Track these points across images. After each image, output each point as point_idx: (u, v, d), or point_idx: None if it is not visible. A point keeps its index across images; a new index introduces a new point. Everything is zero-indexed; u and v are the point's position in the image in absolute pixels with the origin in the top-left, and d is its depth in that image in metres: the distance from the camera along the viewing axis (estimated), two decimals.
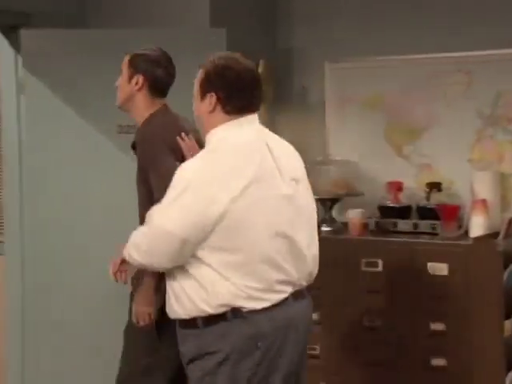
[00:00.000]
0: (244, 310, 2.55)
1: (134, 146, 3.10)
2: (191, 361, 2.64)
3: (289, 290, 2.65)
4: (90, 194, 3.97)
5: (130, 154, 3.89)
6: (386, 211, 4.19)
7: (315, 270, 2.78)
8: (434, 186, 4.17)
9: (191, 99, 2.74)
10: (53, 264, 3.98)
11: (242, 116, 2.67)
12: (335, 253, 4.05)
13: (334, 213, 4.31)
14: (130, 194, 3.98)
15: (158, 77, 3.08)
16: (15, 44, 3.96)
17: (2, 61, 4.08)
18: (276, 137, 2.80)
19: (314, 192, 4.21)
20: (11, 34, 3.97)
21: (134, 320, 2.99)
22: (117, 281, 2.94)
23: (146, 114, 3.08)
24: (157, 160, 2.93)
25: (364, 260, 3.96)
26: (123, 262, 2.89)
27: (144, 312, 2.96)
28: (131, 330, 3.06)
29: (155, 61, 3.10)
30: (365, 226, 4.13)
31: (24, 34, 3.86)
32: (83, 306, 3.96)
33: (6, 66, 4.07)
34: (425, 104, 4.29)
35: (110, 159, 3.96)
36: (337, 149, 4.49)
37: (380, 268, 3.93)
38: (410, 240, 3.96)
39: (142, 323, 2.98)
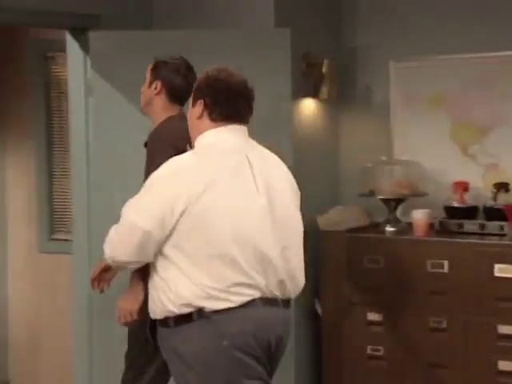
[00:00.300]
0: (207, 309, 2.65)
1: (146, 145, 3.31)
2: (168, 360, 2.77)
3: (255, 294, 2.70)
4: None
5: None
6: (451, 212, 4.16)
7: (295, 282, 2.80)
8: (502, 187, 4.13)
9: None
10: None
11: (228, 124, 2.81)
12: (399, 253, 4.04)
13: (399, 213, 4.29)
14: None
15: (177, 85, 3.28)
16: (84, 46, 4.03)
17: (71, 63, 4.15)
18: (261, 149, 2.90)
19: (378, 192, 4.26)
20: (81, 36, 4.05)
21: (116, 317, 3.10)
22: (93, 288, 3.06)
23: (163, 117, 3.30)
24: (154, 159, 3.07)
25: (429, 261, 3.94)
26: (105, 270, 3.02)
27: (126, 309, 3.07)
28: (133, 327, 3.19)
29: (175, 69, 3.31)
30: (430, 226, 4.11)
31: (93, 36, 3.93)
32: None
33: (75, 68, 4.13)
34: (491, 103, 4.24)
35: None
36: (401, 148, 4.47)
37: (446, 269, 3.91)
38: (477, 241, 3.93)
39: (123, 320, 3.09)
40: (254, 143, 2.89)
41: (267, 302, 2.74)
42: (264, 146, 2.94)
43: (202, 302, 2.64)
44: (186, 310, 2.65)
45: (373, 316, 4.10)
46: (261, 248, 2.72)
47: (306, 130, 4.33)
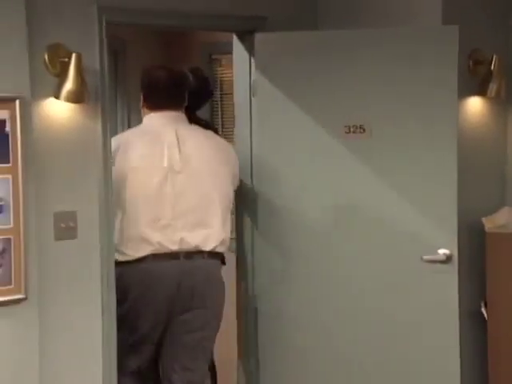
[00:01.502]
0: (118, 260, 3.72)
1: None
2: None
3: (147, 249, 3.73)
4: (318, 193, 4.18)
5: (358, 154, 4.12)
6: None
7: (204, 238, 3.80)
8: None
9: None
10: (284, 263, 4.22)
11: (157, 111, 3.89)
12: None
13: None
14: (359, 194, 4.19)
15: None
16: (249, 48, 4.24)
17: (236, 64, 4.36)
18: (189, 131, 3.92)
19: None
20: (246, 37, 4.25)
21: None
22: None
23: None
24: None
25: None
26: None
27: None
28: None
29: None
30: None
31: (258, 37, 4.11)
32: (322, 305, 4.17)
33: (240, 70, 4.34)
34: None
35: (337, 160, 4.15)
36: None
37: None
38: None
39: None
40: (180, 125, 3.89)
41: (162, 256, 3.73)
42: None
43: (116, 254, 3.70)
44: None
45: None
46: (158, 210, 3.73)
47: (472, 128, 4.37)
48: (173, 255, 3.78)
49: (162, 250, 3.76)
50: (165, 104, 3.89)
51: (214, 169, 3.87)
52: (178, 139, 3.84)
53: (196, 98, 4.51)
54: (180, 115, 3.96)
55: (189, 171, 3.81)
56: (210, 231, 3.84)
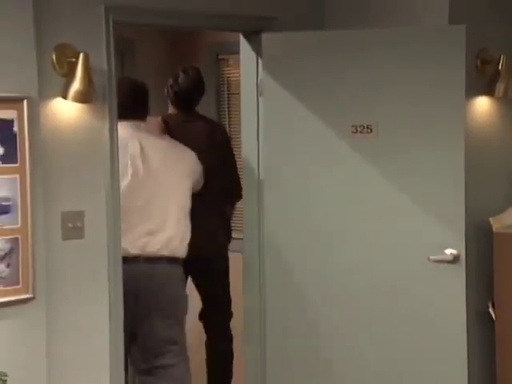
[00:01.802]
0: None
1: None
2: None
3: (126, 250, 3.92)
4: (325, 193, 4.20)
5: (365, 154, 4.14)
6: None
7: (165, 244, 4.06)
8: None
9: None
10: (291, 263, 4.24)
11: (122, 121, 3.96)
12: None
13: None
14: (366, 194, 4.21)
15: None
16: (256, 48, 4.27)
17: (243, 64, 4.40)
18: (151, 139, 4.17)
19: None
20: (253, 38, 4.28)
21: None
22: None
23: None
24: None
25: None
26: None
27: None
28: None
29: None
30: None
31: (265, 37, 4.15)
32: (331, 305, 4.19)
33: (247, 70, 4.37)
34: None
35: (344, 159, 4.17)
36: None
37: None
38: None
39: None
40: (144, 135, 4.14)
41: (129, 260, 3.93)
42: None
43: None
44: None
45: None
46: (127, 216, 3.86)
47: (480, 128, 4.39)
48: (134, 259, 4.03)
49: (124, 255, 3.92)
50: (127, 114, 4.06)
51: (175, 177, 4.12)
52: (141, 149, 4.06)
53: (188, 96, 4.71)
54: (142, 125, 4.20)
55: (152, 180, 4.06)
56: (170, 236, 4.09)
